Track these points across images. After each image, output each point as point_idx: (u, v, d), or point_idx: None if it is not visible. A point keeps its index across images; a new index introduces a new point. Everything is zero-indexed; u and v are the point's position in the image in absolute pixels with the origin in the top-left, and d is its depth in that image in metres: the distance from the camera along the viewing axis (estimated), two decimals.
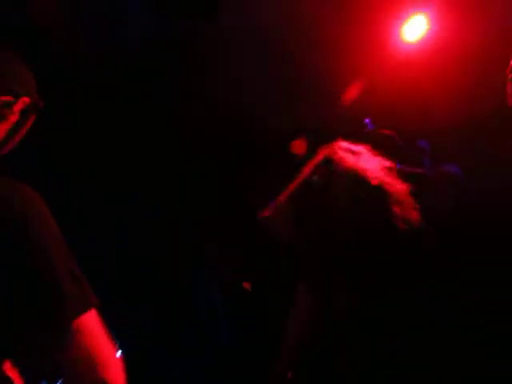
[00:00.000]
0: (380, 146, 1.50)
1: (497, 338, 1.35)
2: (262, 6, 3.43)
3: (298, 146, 4.06)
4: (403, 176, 1.45)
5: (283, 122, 4.16)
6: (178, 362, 4.05)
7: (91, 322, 0.99)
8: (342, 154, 1.49)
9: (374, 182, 1.40)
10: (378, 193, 1.39)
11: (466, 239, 1.53)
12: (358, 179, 1.41)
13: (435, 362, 1.29)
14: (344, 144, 1.54)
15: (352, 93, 3.79)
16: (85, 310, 0.98)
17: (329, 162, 1.46)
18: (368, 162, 1.47)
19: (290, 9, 3.41)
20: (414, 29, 3.29)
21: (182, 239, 4.28)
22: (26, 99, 1.09)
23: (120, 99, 3.94)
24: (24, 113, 1.10)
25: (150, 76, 3.93)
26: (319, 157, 1.52)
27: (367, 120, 2.26)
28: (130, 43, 3.65)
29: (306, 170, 1.51)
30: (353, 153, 1.50)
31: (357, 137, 1.56)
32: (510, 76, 1.59)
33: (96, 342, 0.98)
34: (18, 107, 1.08)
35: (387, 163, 1.47)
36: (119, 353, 1.10)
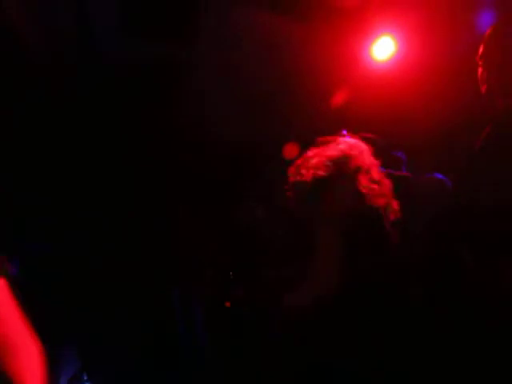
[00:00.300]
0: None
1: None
2: (236, 33, 3.50)
3: (291, 151, 4.11)
4: (391, 178, 1.49)
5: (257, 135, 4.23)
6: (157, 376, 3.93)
7: None
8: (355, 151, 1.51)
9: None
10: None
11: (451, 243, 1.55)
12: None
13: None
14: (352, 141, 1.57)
15: (326, 106, 3.89)
16: None
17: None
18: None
19: (262, 32, 3.50)
20: (383, 48, 3.43)
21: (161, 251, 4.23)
22: None
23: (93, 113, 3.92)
24: None
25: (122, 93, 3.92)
26: (330, 151, 1.53)
27: (344, 131, 2.31)
28: (104, 60, 3.59)
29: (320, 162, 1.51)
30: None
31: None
32: (479, 62, 1.64)
33: (3, 321, 0.75)
34: None
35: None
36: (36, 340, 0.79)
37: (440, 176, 2.40)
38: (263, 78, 3.86)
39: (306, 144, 1.70)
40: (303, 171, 1.48)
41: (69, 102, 3.74)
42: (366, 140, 1.67)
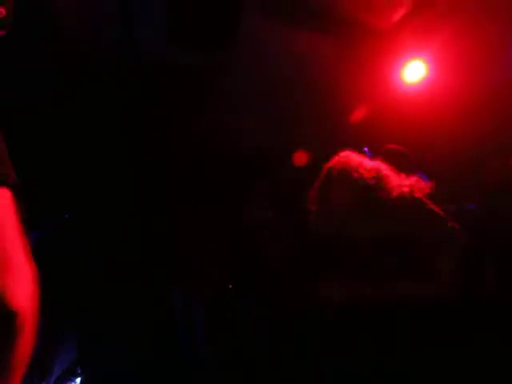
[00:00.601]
0: (392, 162, 1.57)
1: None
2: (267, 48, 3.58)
3: (300, 159, 4.12)
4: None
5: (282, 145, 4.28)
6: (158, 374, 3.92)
7: (1, 203, 0.72)
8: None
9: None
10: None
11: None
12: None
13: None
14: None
15: (355, 119, 3.91)
16: None
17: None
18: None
19: (293, 47, 3.55)
20: (414, 71, 3.46)
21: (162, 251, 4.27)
22: (2, 10, 0.91)
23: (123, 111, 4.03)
24: None
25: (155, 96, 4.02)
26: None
27: (366, 148, 2.35)
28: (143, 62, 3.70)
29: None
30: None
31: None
32: None
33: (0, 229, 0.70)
34: None
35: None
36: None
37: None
38: (293, 91, 3.91)
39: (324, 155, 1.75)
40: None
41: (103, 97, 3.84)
42: (398, 153, 1.70)
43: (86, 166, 4.05)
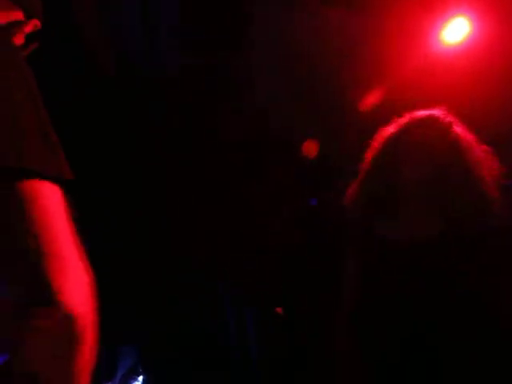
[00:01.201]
0: None
1: None
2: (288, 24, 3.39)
3: (309, 149, 3.99)
4: None
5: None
6: None
7: (52, 199, 0.68)
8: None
9: None
10: None
11: None
12: None
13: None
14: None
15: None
16: (46, 172, 0.67)
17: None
18: None
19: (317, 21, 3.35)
20: (455, 31, 3.14)
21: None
22: (37, 22, 0.90)
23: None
24: (29, 38, 0.91)
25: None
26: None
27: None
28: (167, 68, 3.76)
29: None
30: None
31: None
32: None
33: (53, 228, 0.65)
34: (27, 29, 0.89)
35: None
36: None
37: None
38: (325, 71, 3.72)
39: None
40: None
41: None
42: None
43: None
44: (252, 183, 4.24)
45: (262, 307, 3.84)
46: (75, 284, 0.66)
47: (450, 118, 1.47)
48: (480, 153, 1.42)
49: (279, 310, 3.66)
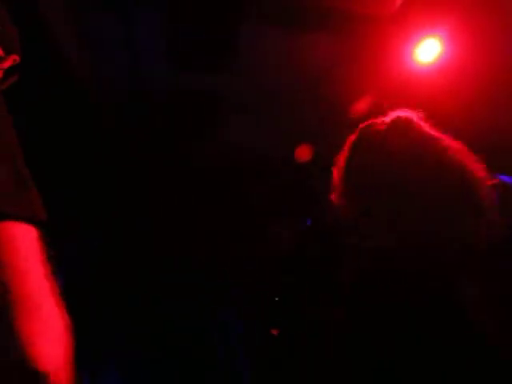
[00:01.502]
0: None
1: None
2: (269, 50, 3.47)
3: (303, 153, 4.01)
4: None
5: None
6: None
7: (24, 241, 0.63)
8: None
9: None
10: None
11: None
12: None
13: None
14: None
15: (363, 108, 3.76)
16: (18, 214, 0.63)
17: None
18: None
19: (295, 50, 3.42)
20: (428, 51, 3.24)
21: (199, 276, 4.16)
22: (16, 57, 0.89)
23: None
24: (8, 72, 0.89)
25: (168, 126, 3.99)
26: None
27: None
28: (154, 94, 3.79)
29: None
30: None
31: None
32: None
33: (25, 273, 0.60)
34: (6, 64, 0.88)
35: None
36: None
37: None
38: (302, 99, 3.80)
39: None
40: None
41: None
42: None
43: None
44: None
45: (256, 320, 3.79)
46: (48, 335, 0.60)
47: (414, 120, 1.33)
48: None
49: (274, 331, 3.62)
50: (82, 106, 3.45)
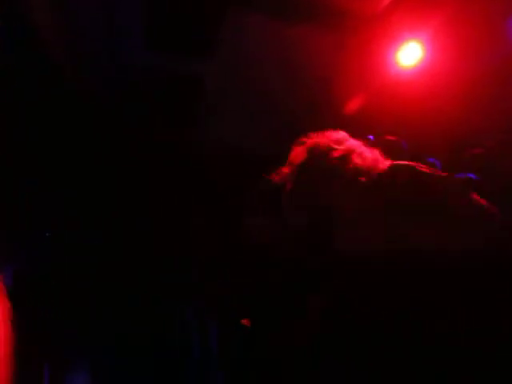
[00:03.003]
0: (388, 152, 1.40)
1: None
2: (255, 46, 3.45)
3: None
4: None
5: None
6: None
7: None
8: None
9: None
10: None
11: None
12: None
13: None
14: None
15: (350, 110, 3.78)
16: None
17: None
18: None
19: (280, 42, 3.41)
20: (409, 54, 3.29)
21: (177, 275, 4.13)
22: None
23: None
24: None
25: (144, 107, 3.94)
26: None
27: (371, 136, 2.19)
28: (129, 73, 3.68)
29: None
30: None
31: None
32: None
33: None
34: None
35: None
36: None
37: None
38: (283, 90, 3.78)
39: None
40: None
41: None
42: (393, 144, 1.53)
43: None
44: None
45: (227, 319, 3.79)
46: None
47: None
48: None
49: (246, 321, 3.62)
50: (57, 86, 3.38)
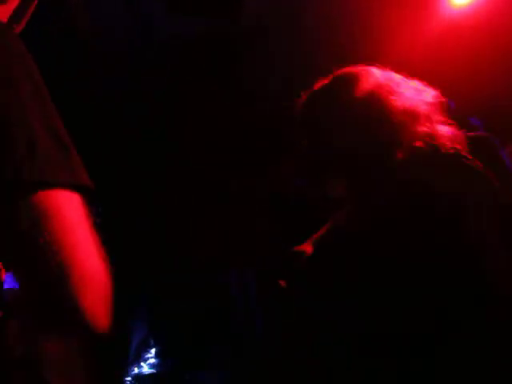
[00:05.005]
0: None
1: None
2: None
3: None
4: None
5: None
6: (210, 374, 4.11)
7: (70, 209, 0.63)
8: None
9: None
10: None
11: None
12: None
13: None
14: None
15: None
16: (63, 182, 0.63)
17: None
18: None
19: None
20: None
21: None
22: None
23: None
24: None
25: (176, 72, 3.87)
26: None
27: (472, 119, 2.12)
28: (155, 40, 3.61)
29: None
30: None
31: None
32: None
33: (73, 237, 0.62)
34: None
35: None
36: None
37: None
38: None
39: None
40: None
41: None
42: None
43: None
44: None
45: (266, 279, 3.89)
46: (97, 299, 0.63)
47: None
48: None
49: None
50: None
